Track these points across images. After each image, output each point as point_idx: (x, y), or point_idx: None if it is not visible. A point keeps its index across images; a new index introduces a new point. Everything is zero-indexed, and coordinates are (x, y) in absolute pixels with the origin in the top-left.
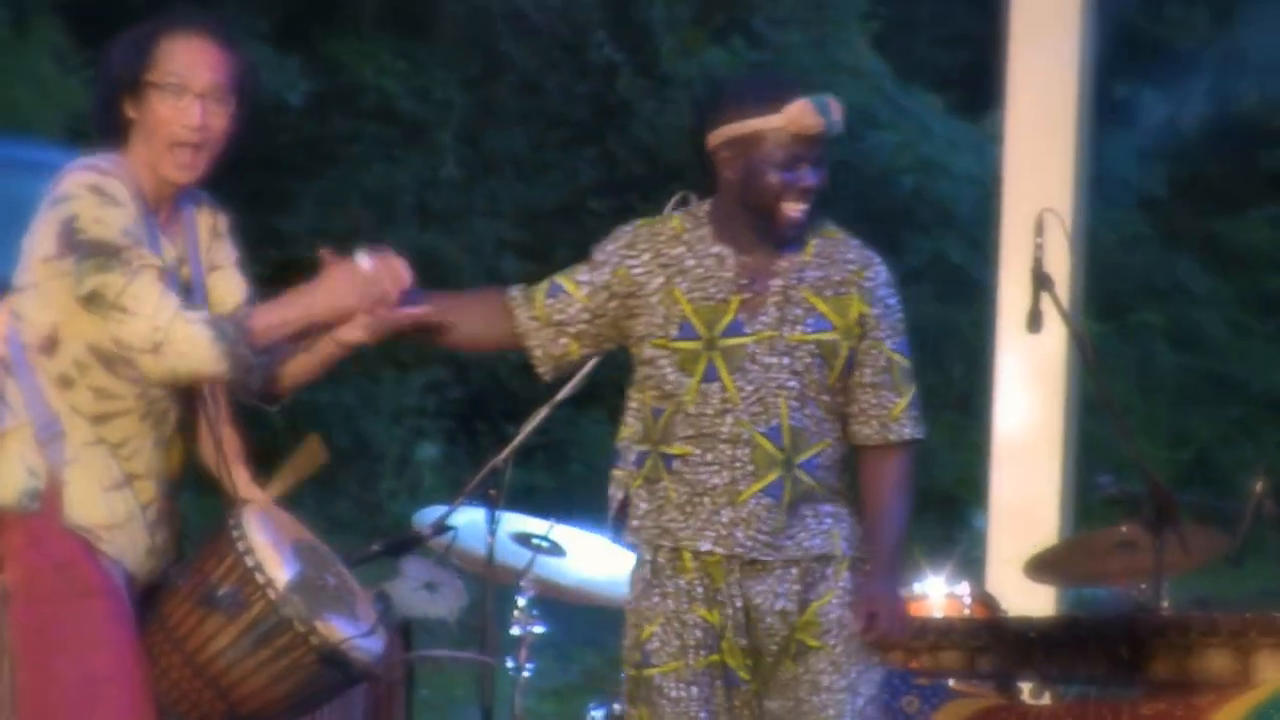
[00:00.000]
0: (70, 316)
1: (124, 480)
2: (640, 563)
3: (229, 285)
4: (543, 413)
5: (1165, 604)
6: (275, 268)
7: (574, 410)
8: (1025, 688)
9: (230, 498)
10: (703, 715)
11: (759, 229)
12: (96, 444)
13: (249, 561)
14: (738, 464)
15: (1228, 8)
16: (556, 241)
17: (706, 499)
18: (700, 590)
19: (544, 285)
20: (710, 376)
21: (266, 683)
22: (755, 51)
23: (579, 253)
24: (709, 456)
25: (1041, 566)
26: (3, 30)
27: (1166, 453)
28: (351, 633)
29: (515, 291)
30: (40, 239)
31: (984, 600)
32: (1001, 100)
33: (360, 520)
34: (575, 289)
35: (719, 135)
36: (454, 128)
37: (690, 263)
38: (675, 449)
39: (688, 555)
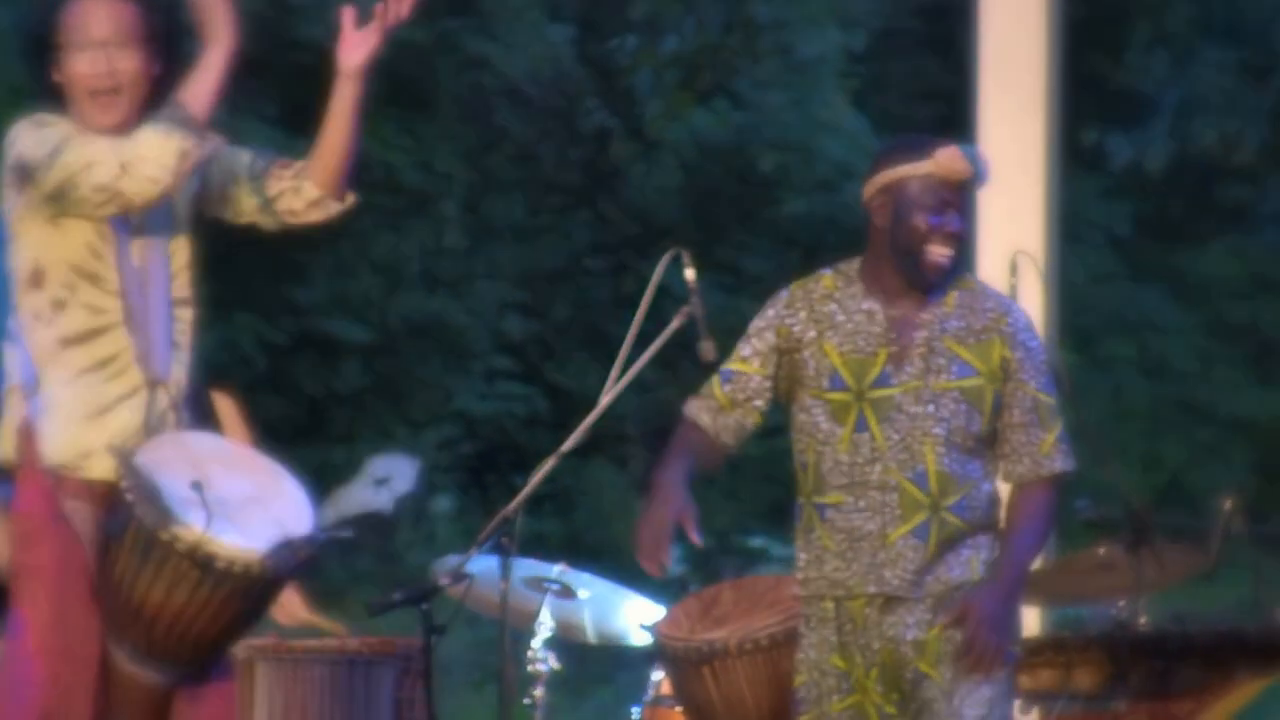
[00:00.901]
0: (46, 244)
1: (120, 399)
2: (808, 605)
3: (225, 155)
4: (549, 464)
5: (1143, 620)
6: (289, 349)
7: (579, 460)
8: (1016, 707)
9: None
10: None
11: (907, 274)
12: (84, 373)
13: (124, 484)
14: (887, 509)
15: (1185, 54)
16: (555, 300)
17: (864, 544)
18: (834, 639)
19: (714, 379)
20: (861, 427)
21: (163, 599)
22: (739, 113)
23: (577, 310)
24: (861, 503)
25: (1026, 587)
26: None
27: (1140, 476)
28: (210, 529)
29: (692, 410)
30: (4, 198)
31: None
32: (974, 144)
33: (380, 571)
34: (746, 365)
35: (872, 185)
36: (456, 197)
37: (841, 318)
38: (829, 498)
39: (829, 604)
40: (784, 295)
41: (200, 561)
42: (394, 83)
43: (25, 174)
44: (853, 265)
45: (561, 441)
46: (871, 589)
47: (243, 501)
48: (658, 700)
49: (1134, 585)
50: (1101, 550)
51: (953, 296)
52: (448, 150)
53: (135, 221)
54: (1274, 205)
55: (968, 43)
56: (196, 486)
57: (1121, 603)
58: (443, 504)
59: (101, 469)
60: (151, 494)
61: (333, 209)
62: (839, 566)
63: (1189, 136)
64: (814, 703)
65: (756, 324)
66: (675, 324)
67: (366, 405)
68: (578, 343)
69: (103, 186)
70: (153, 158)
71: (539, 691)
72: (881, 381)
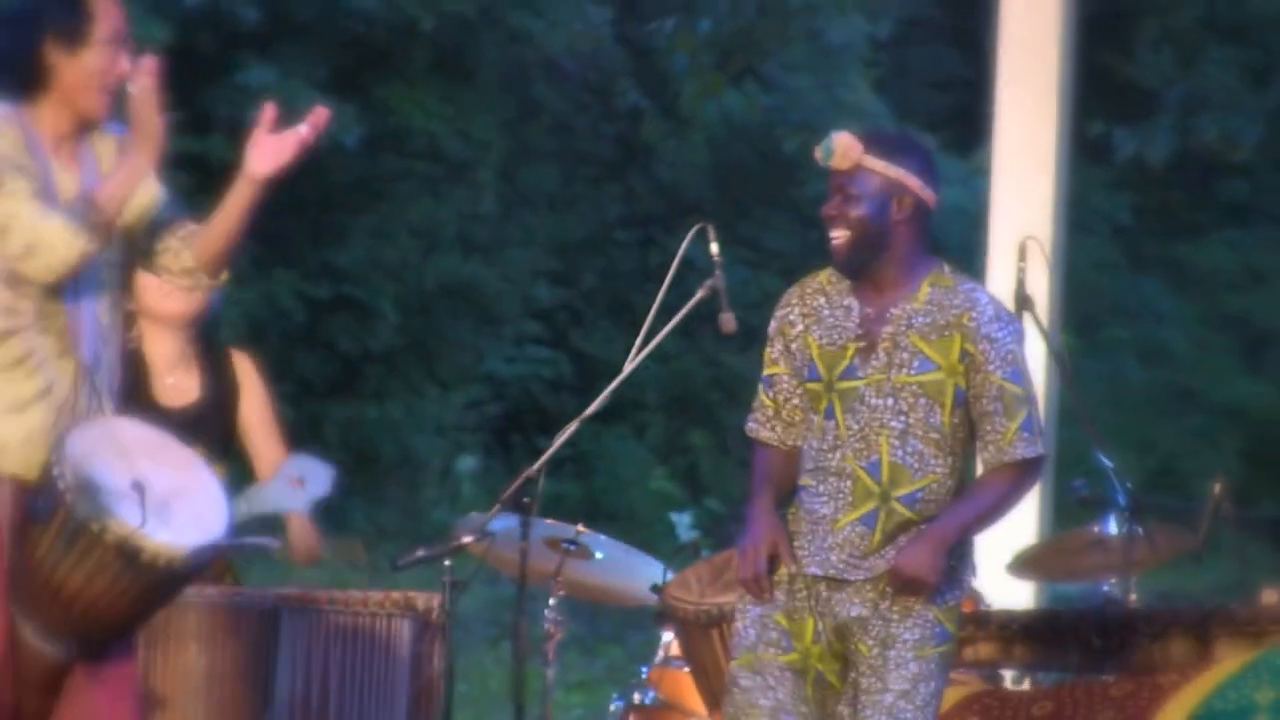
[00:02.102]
0: None
1: (36, 396)
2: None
3: (141, 190)
4: (572, 428)
5: (1133, 597)
6: (327, 307)
7: (600, 425)
8: (1008, 675)
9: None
10: (763, 702)
11: None
12: (10, 366)
13: (54, 471)
14: (840, 495)
15: (1190, 53)
16: (584, 269)
17: (818, 527)
18: (783, 599)
19: (760, 390)
20: (829, 415)
21: (84, 582)
22: (768, 95)
23: (604, 279)
24: (821, 488)
25: (1022, 564)
26: None
27: (1134, 459)
28: (142, 525)
29: (753, 427)
30: None
31: (971, 596)
32: (988, 138)
33: (405, 527)
34: (775, 368)
35: None
36: (492, 166)
37: (825, 312)
38: (803, 481)
39: (784, 571)
40: (786, 294)
41: (127, 554)
42: (438, 53)
43: None
44: None
45: (585, 406)
46: (816, 570)
47: (168, 495)
48: (667, 661)
49: (1125, 565)
50: (1095, 529)
51: (925, 292)
52: (487, 120)
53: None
54: (1271, 202)
55: (987, 35)
56: (137, 487)
57: (1113, 581)
58: (467, 463)
59: (14, 463)
60: (86, 485)
61: (202, 283)
62: (800, 546)
63: (1191, 132)
64: (748, 648)
65: (771, 327)
66: (699, 296)
67: (399, 364)
68: (604, 311)
69: (9, 258)
70: (58, 252)
71: (553, 650)
72: (849, 374)
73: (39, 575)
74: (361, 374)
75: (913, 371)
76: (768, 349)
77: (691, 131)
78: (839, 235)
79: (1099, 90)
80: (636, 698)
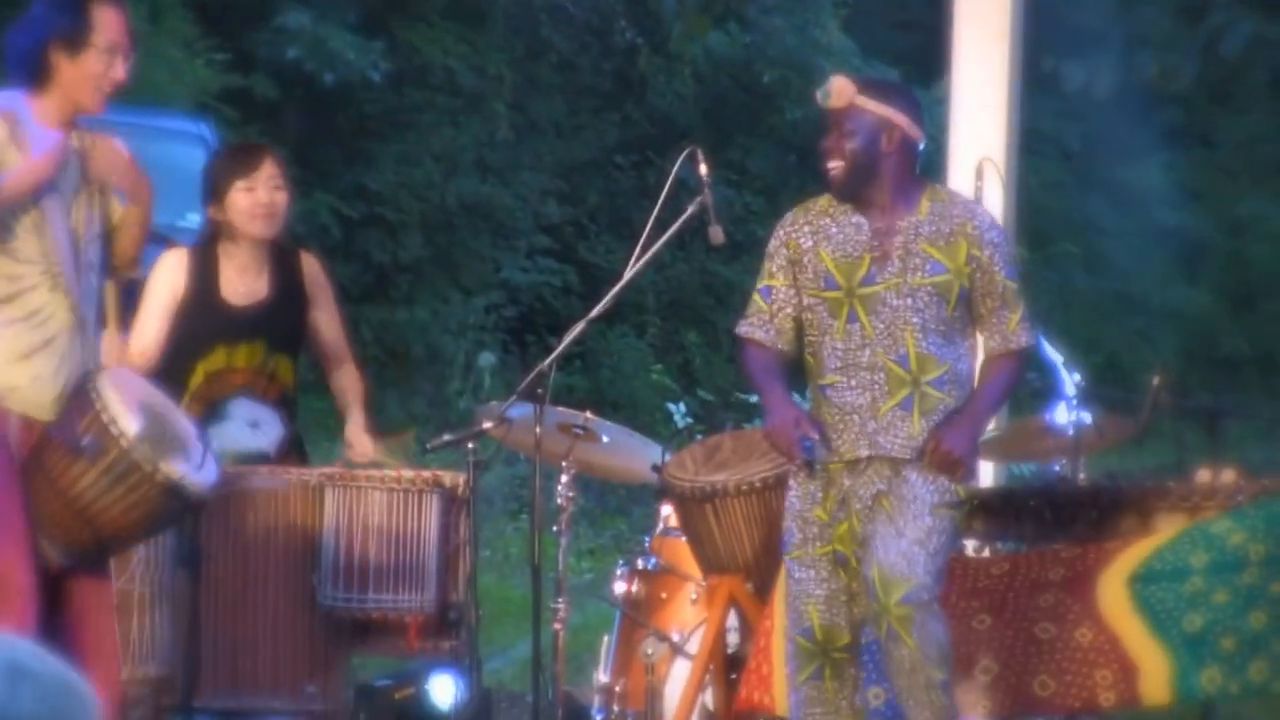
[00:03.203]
0: None
1: (40, 345)
2: (792, 472)
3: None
4: (579, 328)
5: (1081, 476)
6: (360, 223)
7: (604, 326)
8: (969, 545)
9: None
10: (817, 592)
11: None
12: (18, 321)
13: (104, 417)
14: (876, 386)
15: None
16: (588, 189)
17: (854, 416)
18: (819, 494)
19: (755, 298)
20: (852, 319)
21: (122, 512)
22: (747, 34)
23: (606, 198)
24: (853, 382)
25: (984, 448)
26: (141, 23)
27: (1082, 356)
28: (186, 470)
29: (745, 329)
30: None
31: None
32: (947, 71)
33: (433, 415)
34: (774, 280)
35: None
36: (505, 98)
37: (834, 230)
38: (827, 379)
39: (816, 466)
40: (788, 217)
41: (171, 492)
42: (455, 1)
43: None
44: None
45: (590, 309)
46: (865, 453)
47: (191, 438)
48: (666, 531)
49: (1074, 448)
50: (1046, 417)
51: (925, 206)
52: (499, 58)
53: (69, 199)
54: (1203, 128)
55: None
56: (202, 437)
57: (1063, 462)
58: (487, 359)
59: (24, 403)
60: (147, 431)
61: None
62: (834, 436)
63: (1133, 67)
64: (798, 545)
65: (771, 245)
66: (690, 212)
67: (425, 273)
68: (606, 226)
69: None
70: None
71: (565, 521)
72: (868, 280)
73: (77, 503)
74: (392, 282)
75: (926, 274)
76: (767, 263)
77: (681, 66)
78: (835, 165)
79: (1049, 28)
80: (639, 563)
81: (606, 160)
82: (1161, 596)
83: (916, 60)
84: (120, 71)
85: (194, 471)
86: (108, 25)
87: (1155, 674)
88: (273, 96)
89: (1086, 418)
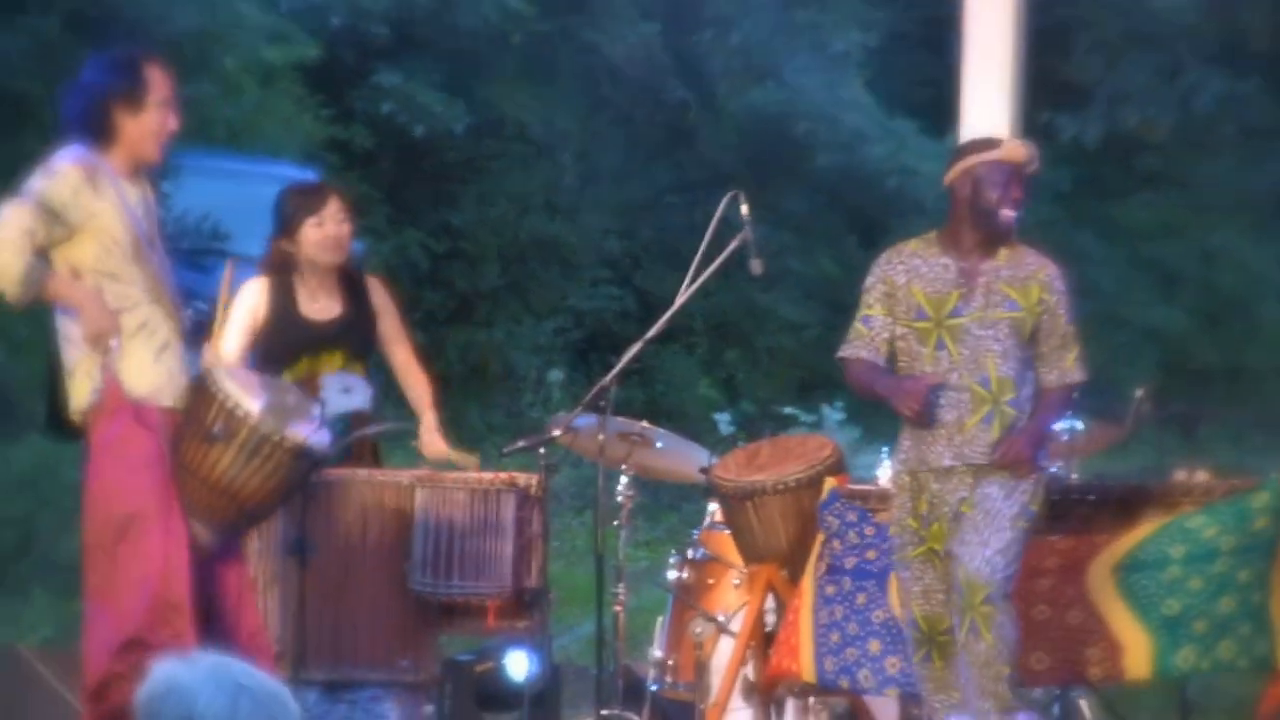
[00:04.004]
0: (67, 254)
1: (160, 348)
2: (896, 478)
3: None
4: (636, 347)
5: (1074, 476)
6: (445, 256)
7: (658, 346)
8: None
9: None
10: (915, 588)
11: (983, 229)
12: (139, 331)
13: (229, 404)
14: (961, 404)
15: (1115, 58)
16: (643, 227)
17: (942, 430)
18: (910, 504)
19: (857, 325)
20: (940, 346)
21: (260, 482)
22: (783, 91)
23: (659, 234)
24: (942, 400)
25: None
26: (257, 85)
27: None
28: (308, 432)
29: (850, 350)
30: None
31: None
32: (957, 122)
33: (509, 424)
34: (873, 310)
35: (954, 170)
36: (570, 148)
37: (924, 269)
38: None
39: (906, 477)
40: (883, 257)
41: (299, 454)
42: (527, 62)
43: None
44: (930, 235)
45: (646, 331)
46: (949, 462)
47: (293, 408)
48: (712, 526)
49: (1068, 451)
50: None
51: (1003, 254)
52: (565, 112)
53: (150, 234)
54: (1178, 172)
55: (956, 44)
56: (320, 405)
57: (1059, 463)
58: (556, 375)
59: (169, 397)
60: (269, 408)
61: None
62: (926, 447)
63: (1116, 119)
64: (899, 549)
65: (869, 281)
66: (732, 246)
67: (501, 300)
68: (658, 258)
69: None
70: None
71: (625, 516)
72: (955, 313)
73: (219, 483)
74: (473, 307)
75: (1005, 310)
76: (865, 296)
77: (725, 120)
78: (1013, 215)
79: (1045, 86)
80: (689, 553)
81: (659, 201)
82: (1144, 584)
83: (930, 113)
84: (174, 123)
85: (314, 433)
86: (160, 83)
87: (1137, 652)
88: (369, 146)
89: (1079, 425)
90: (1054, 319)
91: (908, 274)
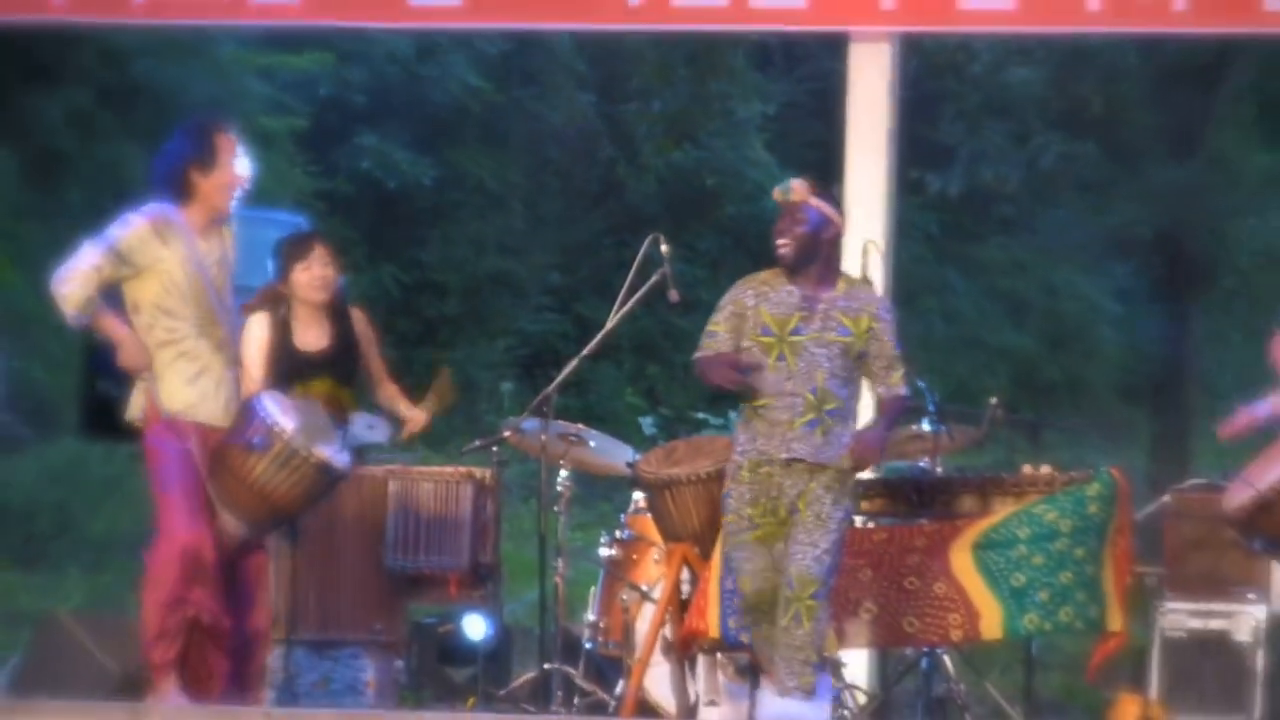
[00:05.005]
0: (132, 289)
1: (198, 373)
2: (732, 471)
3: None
4: (574, 363)
5: (939, 470)
6: (414, 287)
7: (593, 362)
8: (858, 520)
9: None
10: (748, 568)
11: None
12: (178, 359)
13: (269, 421)
14: (794, 408)
15: (975, 122)
16: (581, 264)
17: (777, 429)
18: (748, 495)
19: (705, 337)
20: (781, 358)
21: (288, 489)
22: (698, 151)
23: (594, 270)
24: (779, 404)
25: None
26: (257, 145)
27: (939, 383)
28: (332, 452)
29: (700, 354)
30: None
31: None
32: (841, 177)
33: (467, 428)
34: (719, 326)
35: None
36: (520, 198)
37: (773, 294)
38: (763, 401)
39: (746, 472)
40: (739, 284)
41: (322, 470)
42: (484, 127)
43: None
44: (779, 269)
45: (581, 350)
46: (784, 455)
47: (322, 431)
48: (637, 511)
49: (934, 449)
50: (914, 427)
51: (842, 286)
52: (515, 168)
53: (211, 271)
54: (1027, 220)
55: (840, 112)
56: (342, 429)
57: (926, 459)
58: (507, 386)
59: (202, 414)
60: (301, 428)
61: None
62: (765, 441)
63: (975, 175)
64: (735, 534)
65: (722, 302)
66: (654, 279)
67: (461, 324)
68: (593, 289)
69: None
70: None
71: (564, 503)
72: (796, 332)
73: (254, 486)
74: (438, 330)
75: (837, 334)
76: (716, 314)
77: (648, 174)
78: (786, 244)
79: (915, 148)
80: (618, 534)
81: (594, 242)
82: (996, 560)
83: (819, 170)
84: (245, 176)
85: (337, 454)
86: (228, 148)
87: (991, 618)
88: (350, 196)
89: (943, 428)
90: (881, 344)
91: (757, 298)
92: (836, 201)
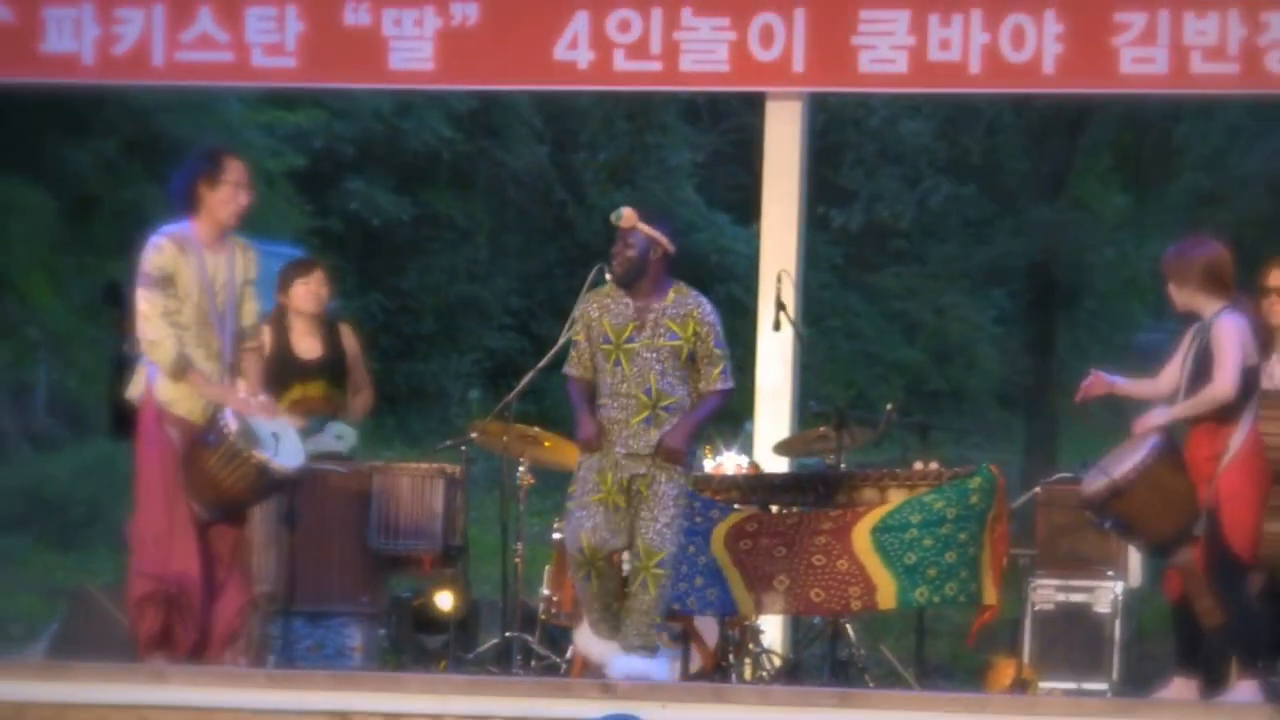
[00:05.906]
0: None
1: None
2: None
3: (252, 302)
4: (530, 375)
5: (843, 465)
6: (396, 310)
7: (547, 373)
8: (773, 508)
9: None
10: (587, 524)
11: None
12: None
13: (221, 422)
14: (629, 408)
15: (873, 167)
16: (537, 290)
17: (616, 426)
18: (596, 467)
19: (571, 350)
20: (617, 363)
21: (234, 483)
22: (636, 193)
23: (549, 294)
24: (616, 404)
25: (781, 448)
26: (263, 187)
27: (842, 392)
28: (269, 455)
29: (568, 369)
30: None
31: (753, 465)
32: (759, 215)
33: (440, 429)
34: (579, 336)
35: None
36: (485, 233)
37: (613, 306)
38: (601, 401)
39: (594, 456)
40: (585, 297)
41: (261, 470)
42: (454, 172)
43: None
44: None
45: (537, 363)
46: (621, 450)
47: (280, 436)
48: None
49: (838, 447)
50: (822, 429)
51: (671, 296)
52: (481, 208)
53: (214, 288)
54: (918, 251)
55: (758, 159)
56: (274, 435)
57: (831, 456)
58: (475, 394)
59: (184, 409)
60: (243, 430)
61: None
62: (608, 435)
63: (873, 213)
64: (580, 494)
65: (574, 315)
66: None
67: (435, 342)
68: (548, 312)
69: (140, 333)
70: (163, 363)
71: (524, 493)
72: (630, 340)
73: (209, 477)
74: (415, 347)
75: (667, 339)
76: (572, 328)
77: (595, 214)
78: (619, 264)
79: (822, 189)
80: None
81: (548, 271)
82: (891, 542)
83: (739, 209)
84: (245, 199)
85: (274, 458)
86: (234, 168)
87: (886, 591)
88: (341, 232)
89: (845, 428)
90: (705, 344)
91: (600, 310)
92: (669, 229)
